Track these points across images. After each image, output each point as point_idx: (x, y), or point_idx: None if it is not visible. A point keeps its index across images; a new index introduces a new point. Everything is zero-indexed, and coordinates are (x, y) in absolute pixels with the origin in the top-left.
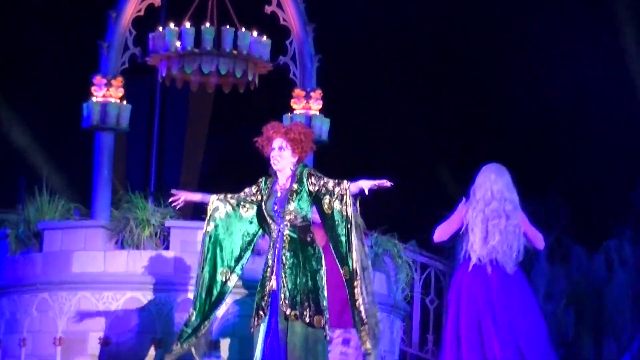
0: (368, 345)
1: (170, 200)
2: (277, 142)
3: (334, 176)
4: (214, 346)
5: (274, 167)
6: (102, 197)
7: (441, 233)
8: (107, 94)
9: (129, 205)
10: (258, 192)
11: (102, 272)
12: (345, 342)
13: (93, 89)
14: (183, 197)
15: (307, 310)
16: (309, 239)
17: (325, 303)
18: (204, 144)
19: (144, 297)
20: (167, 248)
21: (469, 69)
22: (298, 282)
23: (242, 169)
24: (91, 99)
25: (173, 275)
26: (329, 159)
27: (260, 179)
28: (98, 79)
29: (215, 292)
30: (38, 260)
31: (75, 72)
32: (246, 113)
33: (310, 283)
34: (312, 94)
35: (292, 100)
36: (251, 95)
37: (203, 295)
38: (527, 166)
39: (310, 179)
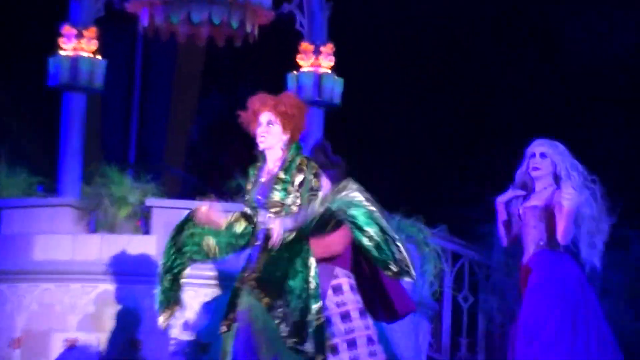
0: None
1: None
2: (265, 116)
3: (347, 146)
4: (204, 349)
5: (261, 146)
6: (70, 170)
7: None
8: (78, 46)
9: (103, 179)
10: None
11: (70, 259)
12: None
13: (61, 40)
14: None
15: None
16: (297, 235)
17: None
18: (194, 107)
19: (120, 290)
20: (148, 232)
21: (500, 34)
22: (277, 274)
23: (238, 138)
24: (59, 53)
25: (155, 264)
26: (341, 126)
27: (250, 169)
28: (67, 29)
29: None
30: None
31: (40, 20)
32: (244, 71)
33: (291, 283)
34: (322, 48)
35: (299, 56)
36: (250, 50)
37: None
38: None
39: (301, 171)
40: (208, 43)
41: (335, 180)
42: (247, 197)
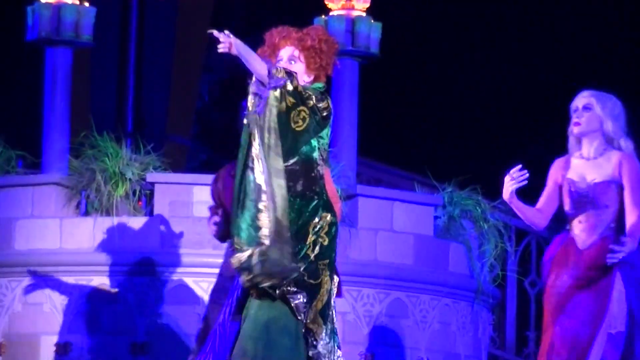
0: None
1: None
2: (287, 51)
3: (386, 104)
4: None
5: None
6: (55, 141)
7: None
8: None
9: (94, 151)
10: None
11: (58, 248)
12: None
13: None
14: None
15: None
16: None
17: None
18: (201, 63)
19: (119, 283)
20: (150, 213)
21: None
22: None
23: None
24: (38, 0)
25: (159, 252)
26: (380, 79)
27: None
28: None
29: None
30: None
31: None
32: (261, 18)
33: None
34: None
35: None
36: None
37: None
38: None
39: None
40: None
41: None
42: None
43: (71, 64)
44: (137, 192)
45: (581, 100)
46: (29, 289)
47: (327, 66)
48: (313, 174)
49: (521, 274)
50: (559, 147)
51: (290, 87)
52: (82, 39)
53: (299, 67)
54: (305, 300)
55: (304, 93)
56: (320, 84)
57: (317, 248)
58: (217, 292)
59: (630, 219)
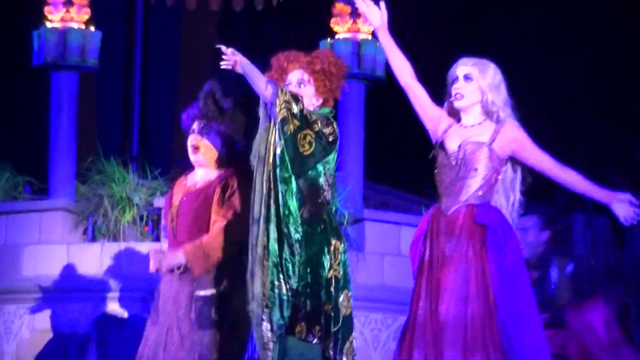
0: None
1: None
2: (296, 74)
3: (392, 127)
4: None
5: None
6: (62, 167)
7: None
8: (66, 16)
9: (101, 177)
10: None
11: (66, 274)
12: None
13: (47, 9)
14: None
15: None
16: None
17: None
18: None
19: (127, 308)
20: (157, 238)
21: None
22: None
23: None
24: (44, 25)
25: None
26: (386, 102)
27: None
28: None
29: None
30: None
31: None
32: (266, 40)
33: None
34: None
35: (333, 20)
36: (274, 14)
37: None
38: None
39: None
40: (223, 7)
41: (226, 136)
42: None
43: (77, 88)
44: (144, 218)
45: (461, 69)
46: (36, 315)
47: (336, 89)
48: (319, 200)
49: None
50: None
51: (295, 110)
52: (88, 63)
53: (308, 91)
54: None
55: (309, 117)
56: (327, 109)
57: (334, 282)
58: None
59: (565, 176)
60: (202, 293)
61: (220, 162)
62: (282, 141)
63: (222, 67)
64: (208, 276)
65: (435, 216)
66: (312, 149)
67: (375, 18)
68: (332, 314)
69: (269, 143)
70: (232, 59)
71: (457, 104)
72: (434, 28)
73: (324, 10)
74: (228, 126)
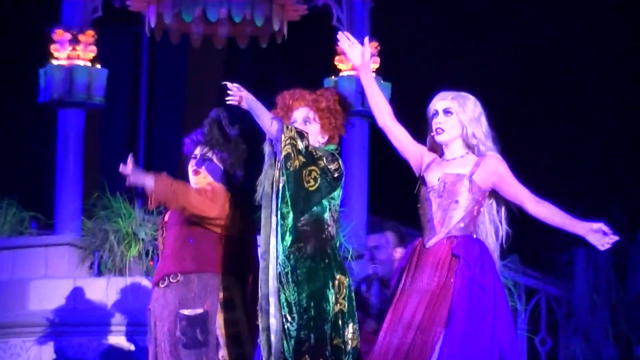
0: None
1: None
2: (301, 112)
3: (397, 165)
4: None
5: None
6: (68, 202)
7: None
8: (73, 54)
9: (107, 212)
10: None
11: (72, 308)
12: None
13: (53, 47)
14: (243, 93)
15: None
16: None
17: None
18: None
19: (133, 342)
20: None
21: None
22: None
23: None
24: (50, 62)
25: None
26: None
27: None
28: (60, 34)
29: None
30: None
31: (28, 24)
32: (271, 78)
33: None
34: None
35: (337, 58)
36: (278, 52)
37: None
38: None
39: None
40: (227, 45)
41: (227, 164)
42: None
43: (83, 125)
44: (150, 253)
45: (440, 103)
46: (43, 349)
47: (341, 127)
48: (324, 235)
49: (531, 332)
50: (573, 203)
51: (301, 146)
52: (94, 100)
53: (314, 128)
54: None
55: (315, 153)
56: (333, 146)
57: (340, 316)
58: None
59: (541, 209)
60: (186, 312)
61: None
62: (285, 177)
63: (227, 102)
64: (192, 294)
65: (417, 249)
66: (317, 184)
67: (357, 58)
68: (343, 347)
69: (274, 179)
70: (237, 94)
71: (438, 139)
72: (434, 28)
73: (328, 48)
74: (230, 154)
